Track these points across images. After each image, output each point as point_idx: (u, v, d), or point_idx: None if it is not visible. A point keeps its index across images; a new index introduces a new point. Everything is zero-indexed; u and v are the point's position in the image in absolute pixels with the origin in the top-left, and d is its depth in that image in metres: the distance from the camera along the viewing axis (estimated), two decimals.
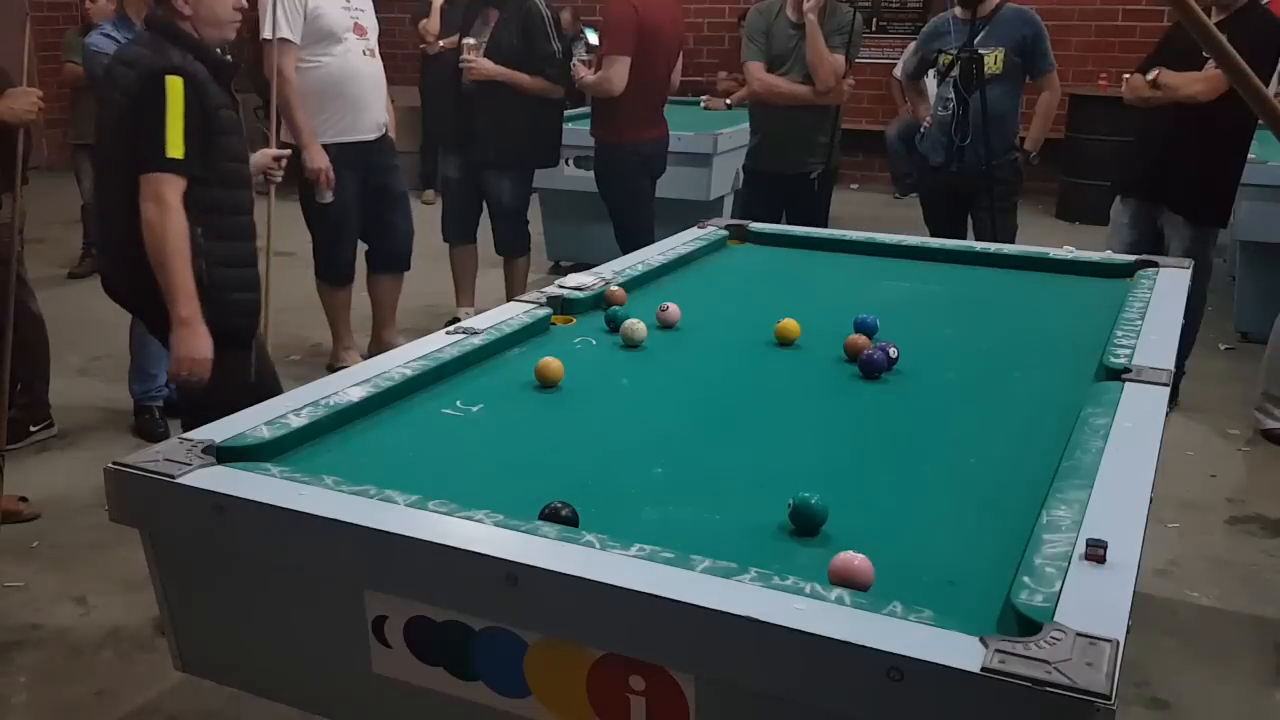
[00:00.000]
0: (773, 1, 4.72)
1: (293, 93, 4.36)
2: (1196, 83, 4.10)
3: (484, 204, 5.15)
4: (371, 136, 4.62)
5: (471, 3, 5.01)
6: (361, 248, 4.89)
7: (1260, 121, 4.33)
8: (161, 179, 2.63)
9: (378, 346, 4.86)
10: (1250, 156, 4.46)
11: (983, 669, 1.19)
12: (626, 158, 4.89)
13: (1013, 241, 4.51)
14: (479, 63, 4.74)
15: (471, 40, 4.79)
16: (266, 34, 4.36)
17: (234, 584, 1.73)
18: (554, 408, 2.11)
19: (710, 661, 1.35)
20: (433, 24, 6.89)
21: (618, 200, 4.97)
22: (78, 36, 6.33)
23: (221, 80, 2.78)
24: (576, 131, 5.69)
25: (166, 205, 2.63)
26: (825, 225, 4.49)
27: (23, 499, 3.59)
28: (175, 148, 2.62)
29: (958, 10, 4.65)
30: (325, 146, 4.43)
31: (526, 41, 4.78)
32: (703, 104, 7.40)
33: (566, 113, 5.78)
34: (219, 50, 2.87)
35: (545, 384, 2.17)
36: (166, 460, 1.70)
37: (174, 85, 2.63)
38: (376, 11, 4.77)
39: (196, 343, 2.70)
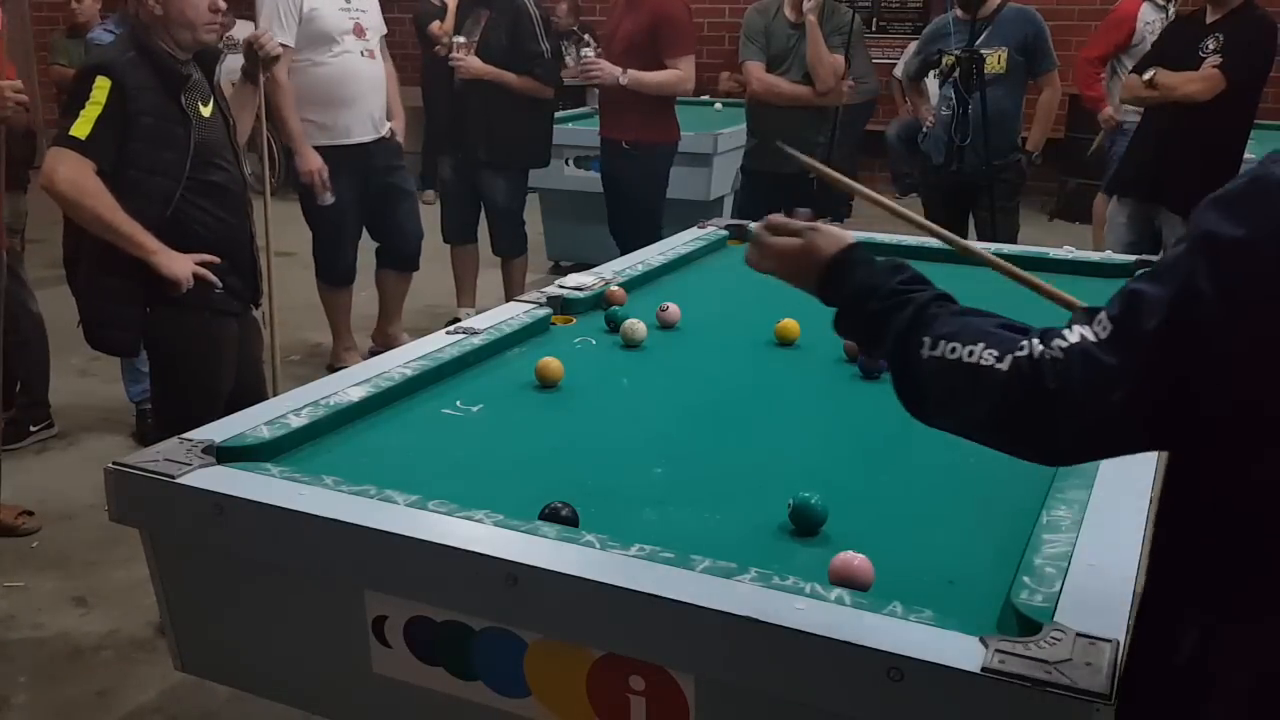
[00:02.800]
0: (771, 1, 4.72)
1: (284, 98, 4.34)
2: (1193, 82, 4.11)
3: (482, 204, 5.15)
4: (369, 138, 4.61)
5: (464, 2, 5.00)
6: (370, 245, 4.89)
7: (1255, 120, 4.36)
8: (57, 152, 2.65)
9: (381, 339, 4.86)
10: (1247, 156, 4.46)
11: (983, 669, 1.19)
12: (668, 156, 4.88)
13: (1014, 241, 4.51)
14: (468, 61, 4.73)
15: (462, 39, 4.78)
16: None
17: (234, 584, 1.73)
18: (554, 408, 2.11)
19: (710, 661, 1.35)
20: (447, 24, 6.90)
21: (650, 200, 4.87)
22: (63, 39, 6.36)
23: (170, 91, 2.74)
24: (577, 131, 5.68)
25: (58, 176, 2.63)
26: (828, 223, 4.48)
27: (27, 513, 3.53)
28: (80, 129, 2.63)
29: (959, 11, 4.65)
30: (320, 149, 4.43)
31: (514, 41, 4.77)
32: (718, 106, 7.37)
33: (565, 113, 5.75)
34: (211, 49, 2.87)
35: (545, 384, 2.17)
36: (166, 460, 1.70)
37: (101, 83, 2.65)
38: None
39: (173, 264, 2.72)
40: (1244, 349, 0.91)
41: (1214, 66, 4.03)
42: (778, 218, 1.37)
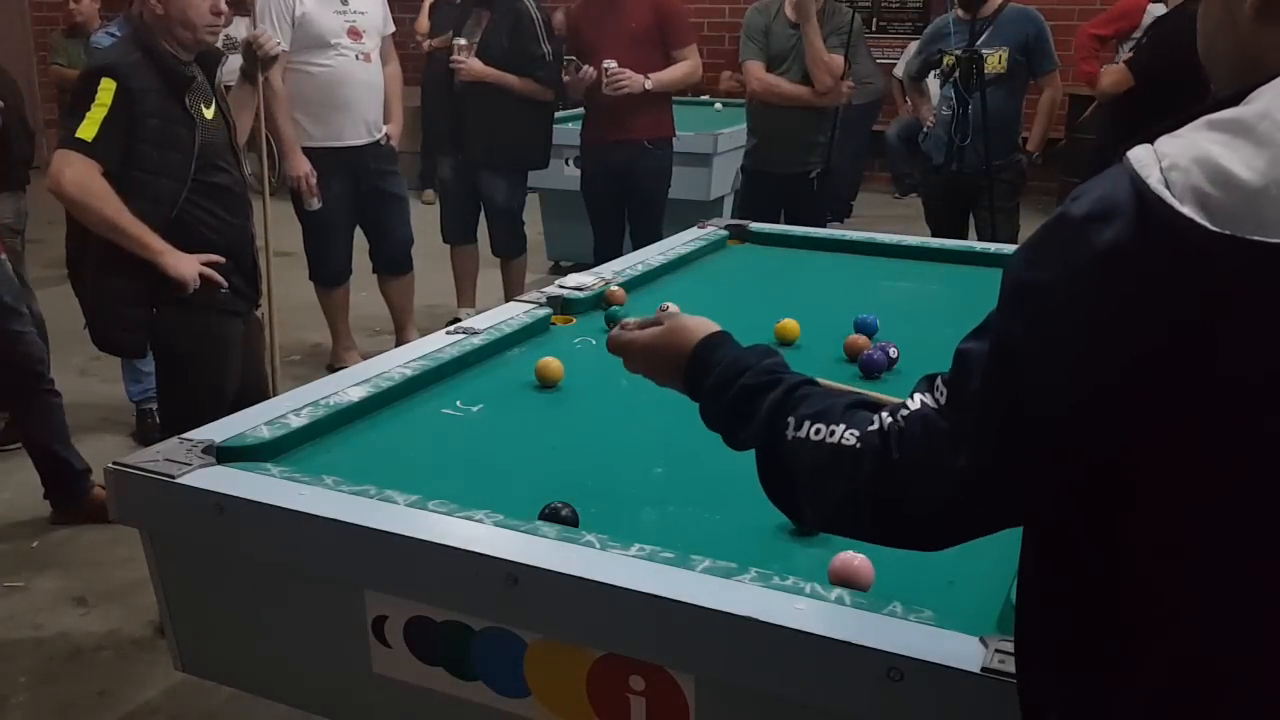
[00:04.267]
0: (771, 0, 4.71)
1: (277, 101, 4.34)
2: (1106, 75, 4.18)
3: (481, 204, 5.14)
4: (362, 141, 4.60)
5: (464, 3, 4.98)
6: (367, 248, 4.90)
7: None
8: (64, 154, 2.64)
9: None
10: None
11: (983, 669, 1.19)
12: (672, 149, 4.89)
13: (1015, 242, 4.51)
14: (469, 63, 4.73)
15: (463, 41, 4.78)
16: None
17: (234, 584, 1.73)
18: (554, 408, 2.11)
19: (710, 661, 1.35)
20: (420, 23, 6.87)
21: (665, 194, 4.87)
22: (62, 39, 6.38)
23: (174, 93, 2.74)
24: (577, 131, 5.67)
25: (65, 178, 2.62)
26: (823, 225, 4.48)
27: None
28: (86, 131, 2.63)
29: (959, 11, 4.65)
30: (313, 151, 4.43)
31: (515, 44, 4.76)
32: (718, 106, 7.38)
33: (565, 113, 5.73)
34: (208, 49, 2.87)
35: (545, 384, 2.17)
36: (166, 460, 1.70)
37: (106, 85, 2.65)
38: None
39: (179, 265, 2.72)
40: (1065, 399, 0.87)
41: (1124, 61, 4.12)
42: (630, 320, 1.35)
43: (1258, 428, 0.83)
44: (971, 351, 0.95)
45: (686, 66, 4.71)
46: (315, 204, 4.46)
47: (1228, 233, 0.81)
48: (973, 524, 1.00)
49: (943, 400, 0.96)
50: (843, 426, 1.02)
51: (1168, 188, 0.83)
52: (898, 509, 0.99)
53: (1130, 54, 4.21)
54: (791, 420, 1.06)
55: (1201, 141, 0.85)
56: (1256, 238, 0.80)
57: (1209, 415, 0.83)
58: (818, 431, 1.03)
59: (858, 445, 1.00)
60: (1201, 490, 0.85)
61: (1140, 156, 0.87)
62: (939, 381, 0.98)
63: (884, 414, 1.01)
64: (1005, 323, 0.93)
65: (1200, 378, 0.83)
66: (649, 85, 4.58)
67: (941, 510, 0.98)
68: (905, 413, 0.98)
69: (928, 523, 1.00)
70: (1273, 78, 0.88)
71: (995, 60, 4.54)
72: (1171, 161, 0.84)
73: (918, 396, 0.99)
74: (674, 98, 5.18)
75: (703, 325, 1.25)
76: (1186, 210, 0.82)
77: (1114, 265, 0.84)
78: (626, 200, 4.87)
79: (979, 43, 4.52)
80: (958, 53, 4.52)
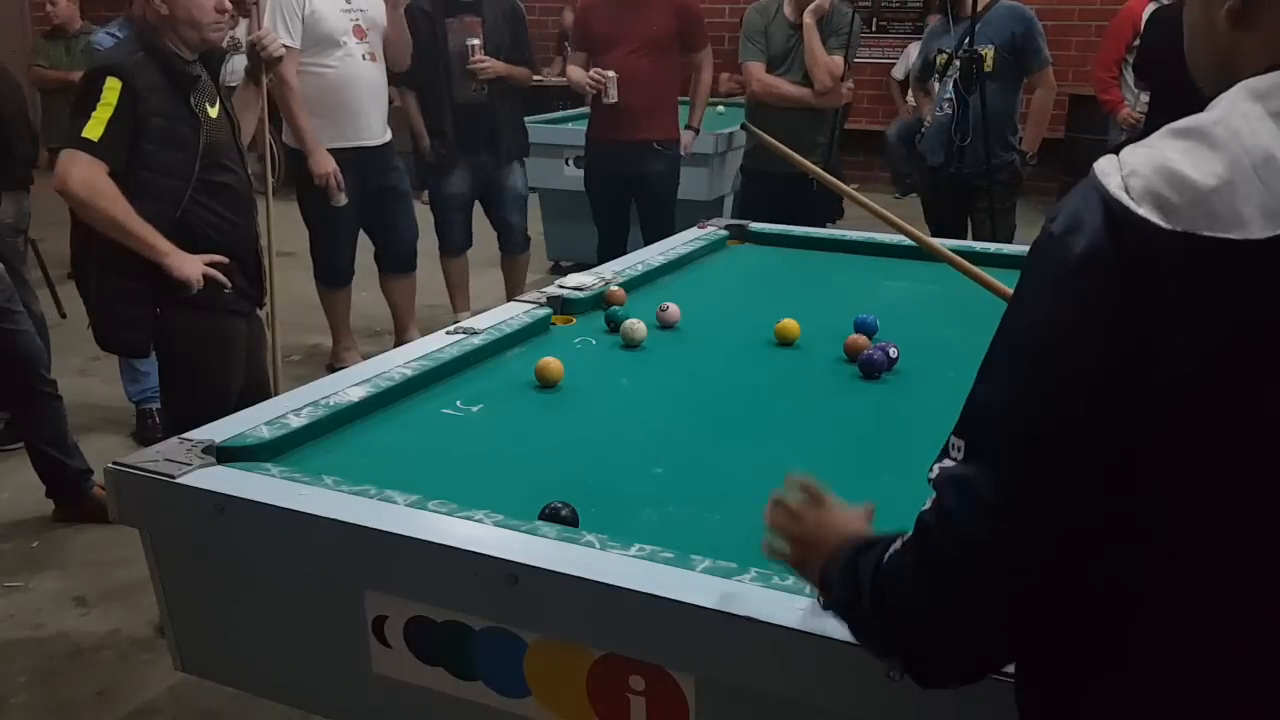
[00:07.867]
0: (771, 1, 4.71)
1: (295, 99, 4.36)
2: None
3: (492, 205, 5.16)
4: (370, 141, 4.62)
5: (434, 11, 4.87)
6: (370, 247, 4.90)
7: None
8: (70, 154, 2.64)
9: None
10: None
11: None
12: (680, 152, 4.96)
13: (1011, 241, 4.51)
14: (492, 63, 4.77)
15: (476, 42, 4.80)
16: None
17: (234, 584, 1.74)
18: (554, 408, 2.12)
19: (710, 661, 1.35)
20: None
21: (674, 195, 4.93)
22: (42, 40, 6.43)
23: (179, 92, 2.74)
24: (577, 131, 5.68)
25: (71, 178, 2.62)
26: (824, 225, 4.48)
27: None
28: (92, 131, 2.63)
29: (935, 14, 4.67)
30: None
31: (515, 40, 4.89)
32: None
33: (565, 113, 5.77)
34: (212, 50, 2.87)
35: (545, 384, 2.18)
36: (166, 460, 1.70)
37: (111, 84, 2.64)
38: None
39: (184, 266, 2.73)
40: (1075, 405, 0.89)
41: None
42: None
43: (1222, 419, 0.86)
44: (976, 396, 0.98)
45: (706, 76, 4.90)
46: (343, 199, 4.50)
47: (1180, 229, 0.84)
48: (1025, 569, 0.95)
49: (960, 455, 0.97)
50: (900, 539, 1.02)
51: (1126, 192, 0.87)
52: (953, 576, 0.97)
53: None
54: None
55: (1164, 149, 0.89)
56: (1207, 233, 0.84)
57: (1186, 411, 0.86)
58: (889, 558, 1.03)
59: (910, 538, 1.01)
60: (1188, 481, 0.88)
61: (1103, 167, 0.91)
62: (952, 439, 0.99)
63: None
64: (1001, 358, 0.96)
65: (1171, 372, 0.86)
66: (692, 141, 4.96)
67: (973, 558, 0.95)
68: (931, 487, 0.99)
69: (987, 575, 0.96)
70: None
71: (984, 59, 4.53)
72: (1132, 169, 0.89)
73: (936, 466, 1.00)
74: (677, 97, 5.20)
75: (839, 533, 1.18)
76: (1143, 211, 0.86)
77: (1091, 270, 0.88)
78: (637, 202, 4.91)
79: (967, 41, 4.52)
80: (948, 52, 4.53)
